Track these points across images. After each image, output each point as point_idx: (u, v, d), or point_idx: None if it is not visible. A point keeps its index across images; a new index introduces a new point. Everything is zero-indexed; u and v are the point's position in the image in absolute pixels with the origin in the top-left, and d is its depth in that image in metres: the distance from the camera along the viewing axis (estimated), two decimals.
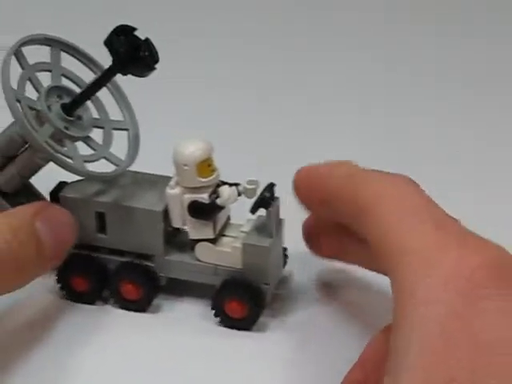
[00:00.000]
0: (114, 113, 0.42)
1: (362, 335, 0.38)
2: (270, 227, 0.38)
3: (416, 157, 0.54)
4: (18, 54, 0.39)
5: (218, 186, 0.39)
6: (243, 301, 0.38)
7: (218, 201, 0.38)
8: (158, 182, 0.40)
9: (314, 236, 0.41)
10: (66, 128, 0.39)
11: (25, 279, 0.37)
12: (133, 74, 0.38)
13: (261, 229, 0.39)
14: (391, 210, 0.33)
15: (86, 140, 0.41)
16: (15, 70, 0.39)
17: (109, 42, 0.37)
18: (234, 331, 0.39)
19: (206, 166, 0.38)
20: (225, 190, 0.38)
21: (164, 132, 0.52)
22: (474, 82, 0.63)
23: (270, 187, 0.38)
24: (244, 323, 0.39)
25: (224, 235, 0.40)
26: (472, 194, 0.50)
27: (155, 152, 0.42)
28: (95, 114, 0.41)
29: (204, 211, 0.38)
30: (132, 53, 0.37)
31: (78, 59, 0.42)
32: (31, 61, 0.40)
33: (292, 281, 0.42)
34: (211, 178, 0.38)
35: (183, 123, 0.56)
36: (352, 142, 0.56)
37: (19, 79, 0.39)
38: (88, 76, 0.41)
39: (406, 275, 0.29)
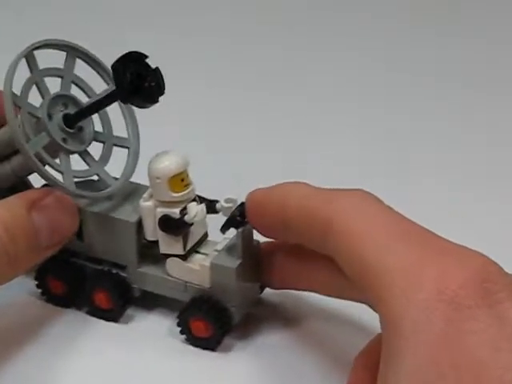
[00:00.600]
0: (117, 127, 0.42)
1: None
2: (239, 248, 0.38)
3: (416, 157, 0.54)
4: (28, 57, 0.39)
5: (195, 200, 0.38)
6: (209, 321, 0.38)
7: (186, 217, 0.38)
8: (142, 191, 0.40)
9: (265, 266, 0.39)
10: (64, 140, 0.39)
11: (18, 271, 0.37)
12: (133, 104, 0.38)
13: (234, 249, 0.38)
14: (359, 225, 0.31)
15: (83, 154, 0.40)
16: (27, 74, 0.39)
17: (115, 68, 0.36)
18: (199, 350, 0.39)
19: (178, 180, 0.37)
20: (193, 207, 0.38)
21: (162, 133, 0.52)
22: (473, 81, 0.63)
23: (242, 206, 0.37)
24: (209, 343, 0.38)
25: (198, 252, 0.39)
26: (472, 193, 0.50)
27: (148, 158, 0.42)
28: (99, 127, 0.41)
29: (173, 226, 0.38)
30: (136, 84, 0.36)
31: (93, 68, 0.41)
32: (44, 65, 0.40)
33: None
34: (183, 193, 0.37)
35: (181, 122, 0.56)
36: (352, 142, 0.56)
37: (24, 83, 0.39)
38: (101, 86, 0.41)
39: (387, 302, 0.29)
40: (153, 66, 0.37)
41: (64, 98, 0.40)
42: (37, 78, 0.39)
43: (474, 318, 0.27)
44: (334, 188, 0.35)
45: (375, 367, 0.30)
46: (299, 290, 0.40)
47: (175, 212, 0.38)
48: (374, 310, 0.31)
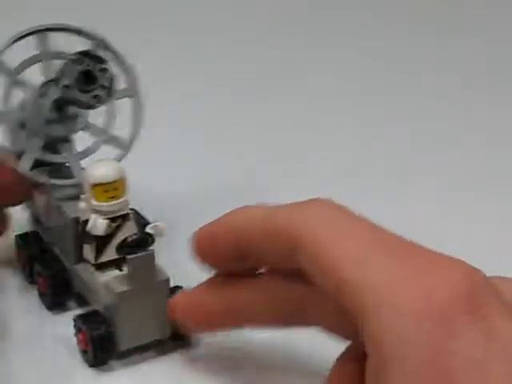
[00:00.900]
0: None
1: None
2: (128, 276, 0.36)
3: (416, 157, 0.54)
4: (41, 35, 0.39)
5: (126, 218, 0.37)
6: (89, 336, 0.36)
7: (87, 227, 0.37)
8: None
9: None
10: (48, 121, 0.39)
11: None
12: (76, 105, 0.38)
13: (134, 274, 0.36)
14: (332, 237, 0.30)
15: (64, 140, 0.40)
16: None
17: (64, 69, 0.37)
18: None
19: (101, 190, 0.36)
20: (94, 220, 0.37)
21: (162, 133, 0.52)
22: (473, 81, 0.63)
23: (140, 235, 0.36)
24: (87, 358, 0.37)
25: (119, 268, 0.38)
26: (472, 194, 0.50)
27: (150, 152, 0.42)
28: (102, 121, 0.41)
29: (80, 233, 0.37)
30: (77, 89, 0.37)
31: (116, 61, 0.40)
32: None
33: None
34: (105, 204, 0.36)
35: (181, 122, 0.56)
36: (352, 142, 0.56)
37: (27, 58, 0.39)
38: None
39: (371, 321, 0.27)
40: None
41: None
42: (43, 57, 0.39)
43: (461, 335, 0.26)
44: (293, 202, 0.33)
45: None
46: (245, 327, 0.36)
47: (90, 220, 0.37)
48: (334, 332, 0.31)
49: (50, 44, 0.39)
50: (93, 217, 0.37)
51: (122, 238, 0.36)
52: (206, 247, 0.35)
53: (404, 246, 0.29)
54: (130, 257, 0.35)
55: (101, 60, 0.37)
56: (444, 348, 0.26)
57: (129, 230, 0.37)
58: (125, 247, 0.36)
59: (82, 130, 0.40)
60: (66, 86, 0.37)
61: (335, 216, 0.31)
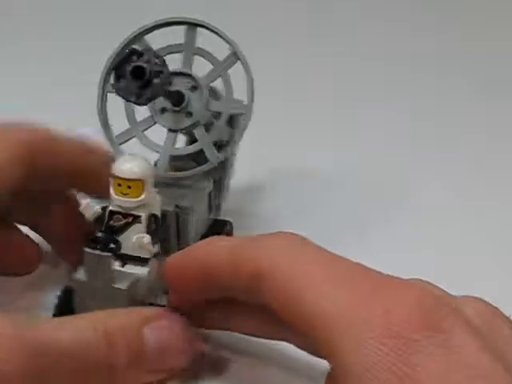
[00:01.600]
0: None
1: None
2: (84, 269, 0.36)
3: (416, 157, 0.54)
4: (192, 28, 0.41)
5: (136, 220, 0.37)
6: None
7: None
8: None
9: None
10: (163, 109, 0.40)
11: None
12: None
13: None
14: (292, 270, 0.30)
15: (169, 133, 0.40)
16: None
17: (122, 60, 0.36)
18: None
19: (116, 182, 0.37)
20: (89, 203, 0.37)
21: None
22: (474, 81, 0.63)
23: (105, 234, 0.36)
24: None
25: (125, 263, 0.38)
26: (472, 193, 0.50)
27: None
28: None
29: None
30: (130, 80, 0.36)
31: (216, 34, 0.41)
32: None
33: None
34: (116, 197, 0.37)
35: None
36: (352, 142, 0.56)
37: (171, 45, 0.40)
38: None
39: (335, 349, 0.28)
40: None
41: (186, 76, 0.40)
42: (186, 49, 0.40)
43: (422, 350, 0.27)
44: (260, 234, 0.33)
45: None
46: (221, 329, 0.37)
47: (98, 208, 0.37)
48: (311, 353, 0.32)
49: (196, 39, 0.41)
50: (89, 200, 0.37)
51: (130, 236, 0.36)
52: (175, 277, 0.35)
53: (360, 273, 0.30)
54: (85, 250, 0.35)
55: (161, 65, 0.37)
56: (408, 361, 0.27)
57: (134, 232, 0.36)
58: (89, 240, 0.35)
59: (191, 127, 0.40)
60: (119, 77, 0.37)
61: (295, 248, 0.31)
